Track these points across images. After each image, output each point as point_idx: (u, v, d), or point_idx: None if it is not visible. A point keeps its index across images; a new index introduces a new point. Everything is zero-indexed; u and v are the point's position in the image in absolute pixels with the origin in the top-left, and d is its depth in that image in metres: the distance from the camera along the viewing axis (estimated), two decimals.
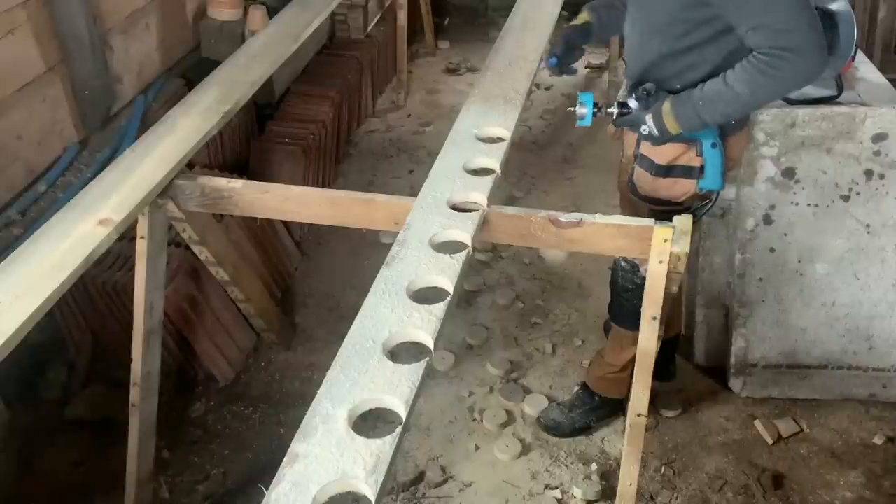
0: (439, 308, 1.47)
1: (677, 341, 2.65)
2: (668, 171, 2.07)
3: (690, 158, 2.03)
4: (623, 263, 2.26)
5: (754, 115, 2.36)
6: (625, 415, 2.36)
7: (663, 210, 2.09)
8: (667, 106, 1.93)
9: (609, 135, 2.42)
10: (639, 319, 2.26)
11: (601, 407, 2.49)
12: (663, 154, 2.06)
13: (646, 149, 2.10)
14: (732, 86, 1.83)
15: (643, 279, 2.20)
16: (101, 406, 2.47)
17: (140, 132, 2.49)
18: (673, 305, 2.35)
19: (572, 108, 2.08)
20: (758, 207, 2.45)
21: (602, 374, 2.47)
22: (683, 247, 1.75)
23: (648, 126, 1.98)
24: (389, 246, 1.65)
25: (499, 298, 3.05)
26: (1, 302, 1.58)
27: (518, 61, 2.53)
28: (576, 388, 2.56)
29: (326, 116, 3.57)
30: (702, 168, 2.03)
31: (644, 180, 2.13)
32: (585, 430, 2.49)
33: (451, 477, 2.38)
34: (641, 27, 2.04)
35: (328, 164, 3.65)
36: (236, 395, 2.64)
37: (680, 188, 2.08)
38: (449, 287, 1.54)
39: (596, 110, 2.05)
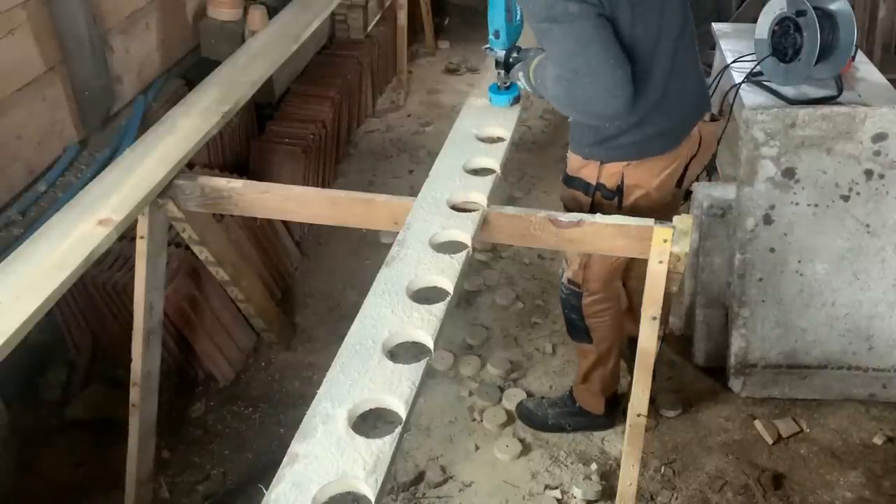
0: (439, 308, 1.47)
1: (661, 342, 2.61)
2: (570, 180, 2.07)
3: (589, 173, 2.01)
4: (560, 270, 2.29)
5: (753, 114, 2.36)
6: (625, 417, 2.36)
7: None
8: (533, 64, 2.00)
9: None
10: (578, 331, 2.31)
11: (579, 415, 2.49)
12: (571, 163, 2.07)
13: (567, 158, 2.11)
14: (546, 83, 1.89)
15: (567, 291, 2.24)
16: (101, 406, 2.48)
17: (140, 132, 2.49)
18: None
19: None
20: (758, 207, 2.45)
21: (576, 383, 2.49)
22: (683, 247, 1.75)
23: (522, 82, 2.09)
24: (389, 246, 1.65)
25: (499, 298, 3.05)
26: (1, 302, 1.58)
27: None
28: (566, 390, 2.56)
29: (326, 116, 3.57)
30: (598, 186, 2.02)
31: (561, 186, 2.15)
32: (558, 429, 2.50)
33: (451, 477, 2.38)
34: None
35: (328, 164, 3.65)
36: (236, 395, 2.64)
37: (578, 200, 2.06)
38: (449, 287, 1.54)
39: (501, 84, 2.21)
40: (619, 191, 1.99)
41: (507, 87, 2.20)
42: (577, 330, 2.31)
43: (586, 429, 2.50)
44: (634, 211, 1.99)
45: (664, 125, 1.95)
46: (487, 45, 2.16)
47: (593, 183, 2.01)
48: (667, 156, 1.99)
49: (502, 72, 2.17)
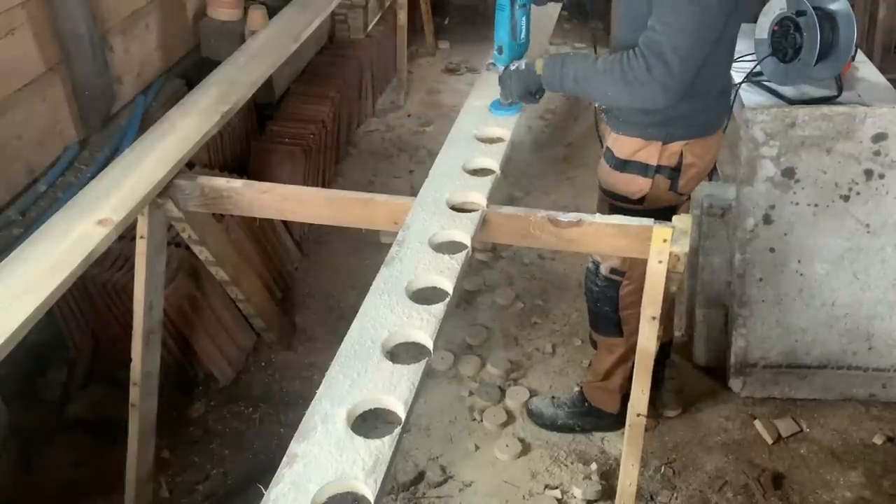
0: (438, 308, 1.47)
1: (670, 347, 2.61)
2: (624, 165, 2.08)
3: (648, 155, 2.03)
4: (590, 265, 2.29)
5: (753, 115, 2.36)
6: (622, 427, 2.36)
7: (621, 207, 2.10)
8: (540, 67, 2.01)
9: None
10: (608, 324, 2.30)
11: (590, 415, 2.49)
12: (623, 147, 2.07)
13: (610, 141, 2.12)
14: (598, 69, 1.88)
15: (605, 281, 2.22)
16: (101, 406, 2.47)
17: (140, 132, 2.49)
18: (668, 309, 2.34)
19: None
20: (758, 207, 2.45)
21: (590, 381, 2.48)
22: (683, 247, 1.75)
23: (517, 62, 2.08)
24: (389, 246, 1.65)
25: (499, 298, 3.05)
26: (1, 302, 1.58)
27: None
28: (576, 389, 2.56)
29: (326, 116, 3.57)
30: (658, 168, 2.04)
31: (604, 172, 2.15)
32: (567, 429, 2.50)
33: (451, 477, 2.38)
34: (624, 22, 2.03)
35: (328, 164, 3.65)
36: (236, 395, 2.64)
37: (635, 185, 2.08)
38: (448, 287, 1.53)
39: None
40: (678, 170, 2.05)
41: (510, 104, 2.17)
42: (608, 323, 2.30)
43: (597, 429, 2.50)
44: (685, 189, 2.10)
45: (724, 106, 2.11)
46: (491, 61, 2.16)
47: (654, 164, 2.04)
48: (719, 133, 2.12)
49: None
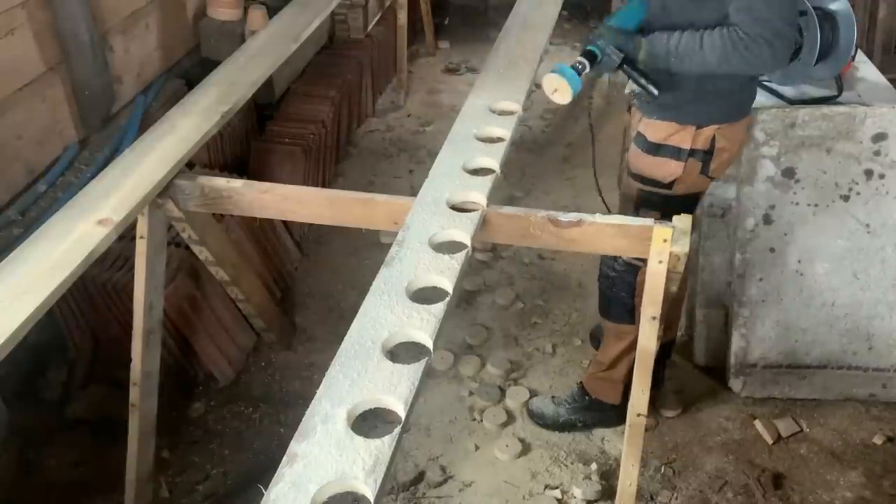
0: (438, 308, 1.46)
1: (671, 347, 2.62)
2: (657, 149, 2.10)
3: (682, 139, 2.06)
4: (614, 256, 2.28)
5: (754, 113, 2.36)
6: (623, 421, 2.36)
7: (651, 191, 2.12)
8: (644, 43, 1.97)
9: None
10: (621, 310, 2.30)
11: (591, 409, 2.49)
12: (656, 131, 2.09)
13: (642, 125, 2.14)
14: (705, 51, 1.88)
15: (624, 266, 2.22)
16: (101, 406, 2.47)
17: (140, 132, 2.49)
18: (671, 308, 2.35)
19: (556, 91, 2.08)
20: (758, 207, 2.45)
21: (593, 373, 2.48)
22: (683, 247, 1.75)
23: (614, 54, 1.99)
24: (389, 246, 1.65)
25: (499, 298, 3.05)
26: (1, 302, 1.58)
27: (518, 61, 2.53)
28: (574, 386, 2.56)
29: (326, 116, 3.57)
30: (691, 152, 2.06)
31: (635, 156, 2.17)
32: (570, 427, 2.50)
33: (451, 477, 2.38)
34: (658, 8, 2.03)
35: (328, 164, 3.65)
36: (236, 395, 2.64)
37: (667, 169, 2.10)
38: (448, 287, 1.53)
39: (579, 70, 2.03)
40: (710, 153, 2.08)
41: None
42: (622, 309, 2.30)
43: (599, 423, 2.50)
44: (715, 173, 2.13)
45: (753, 90, 2.15)
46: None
47: (687, 148, 2.06)
48: (748, 118, 2.15)
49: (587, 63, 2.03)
